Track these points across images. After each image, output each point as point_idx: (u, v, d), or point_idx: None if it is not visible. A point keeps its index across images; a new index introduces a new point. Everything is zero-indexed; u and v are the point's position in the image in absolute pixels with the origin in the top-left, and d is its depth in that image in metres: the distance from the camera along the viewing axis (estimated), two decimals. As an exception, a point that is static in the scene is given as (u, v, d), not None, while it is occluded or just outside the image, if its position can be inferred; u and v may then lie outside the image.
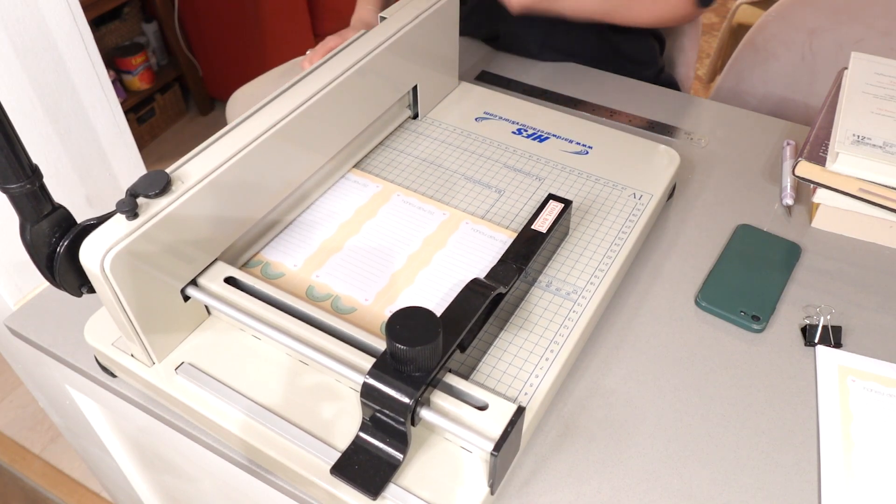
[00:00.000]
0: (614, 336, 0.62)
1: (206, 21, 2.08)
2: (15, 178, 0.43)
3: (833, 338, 0.61)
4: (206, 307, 0.57)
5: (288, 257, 0.63)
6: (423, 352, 0.44)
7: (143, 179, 0.49)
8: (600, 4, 0.83)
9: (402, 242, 0.64)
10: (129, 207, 0.47)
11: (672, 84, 1.12)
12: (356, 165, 0.73)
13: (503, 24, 0.98)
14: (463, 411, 0.47)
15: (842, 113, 0.71)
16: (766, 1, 1.38)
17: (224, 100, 2.26)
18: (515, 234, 0.62)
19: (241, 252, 0.62)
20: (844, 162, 0.66)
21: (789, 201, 0.74)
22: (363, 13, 1.00)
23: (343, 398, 0.52)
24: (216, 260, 0.56)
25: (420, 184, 0.71)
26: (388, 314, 0.57)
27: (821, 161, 0.68)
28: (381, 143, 0.76)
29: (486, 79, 0.94)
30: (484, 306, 0.52)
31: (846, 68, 0.78)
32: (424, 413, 0.47)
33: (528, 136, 0.77)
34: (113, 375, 0.59)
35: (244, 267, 0.62)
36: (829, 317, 0.63)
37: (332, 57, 0.65)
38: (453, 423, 0.46)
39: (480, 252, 0.63)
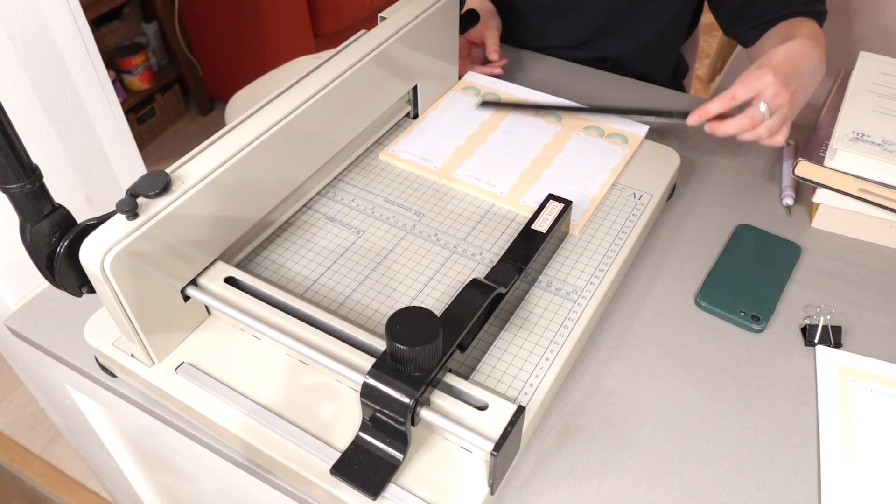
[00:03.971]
0: (614, 336, 0.62)
1: (206, 21, 2.08)
2: (15, 178, 0.43)
3: (833, 338, 0.61)
4: (207, 307, 0.57)
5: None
6: (423, 352, 0.44)
7: (143, 179, 0.49)
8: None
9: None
10: (129, 207, 0.47)
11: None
12: (356, 164, 0.73)
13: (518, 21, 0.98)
14: (463, 411, 0.47)
15: (844, 110, 0.71)
16: (766, 1, 1.38)
17: (224, 100, 2.26)
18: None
19: (242, 252, 0.62)
20: (842, 159, 0.66)
21: (789, 201, 0.74)
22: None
23: (343, 398, 0.52)
24: (216, 260, 0.56)
25: (418, 185, 0.71)
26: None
27: (820, 161, 0.68)
28: (380, 143, 0.76)
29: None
30: (484, 306, 0.52)
31: (846, 68, 0.78)
32: (424, 413, 0.47)
33: (528, 136, 0.77)
34: (113, 375, 0.59)
35: (244, 266, 0.62)
36: (829, 317, 0.63)
37: (332, 57, 0.65)
38: (453, 423, 0.46)
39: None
